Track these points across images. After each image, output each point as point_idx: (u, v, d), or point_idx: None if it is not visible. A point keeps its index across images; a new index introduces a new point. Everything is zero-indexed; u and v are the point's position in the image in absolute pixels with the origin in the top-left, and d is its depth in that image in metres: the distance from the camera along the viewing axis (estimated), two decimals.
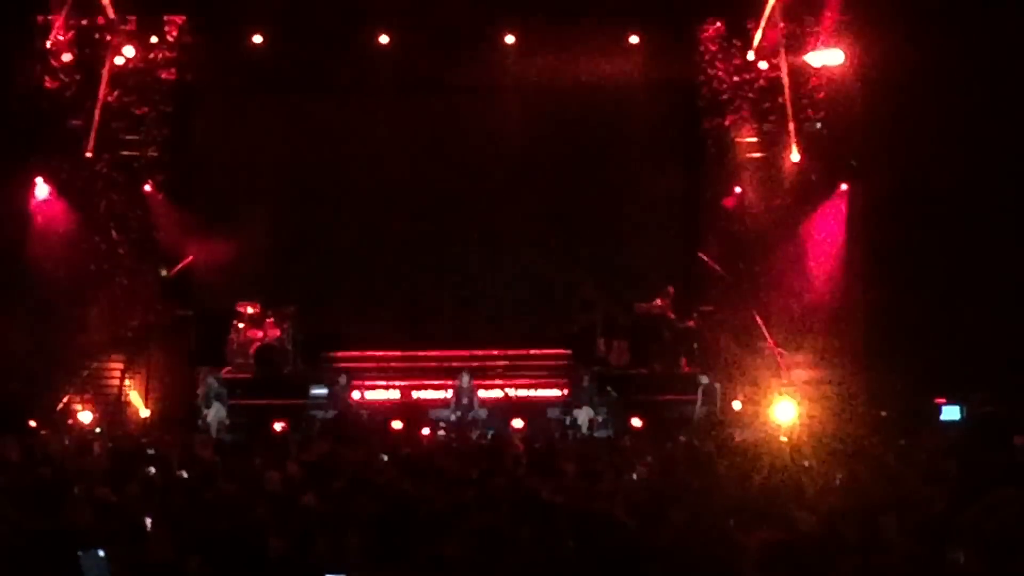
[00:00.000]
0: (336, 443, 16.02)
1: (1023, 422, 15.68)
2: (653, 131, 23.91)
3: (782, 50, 21.95)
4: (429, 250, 23.60)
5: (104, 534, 7.26)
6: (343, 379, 21.47)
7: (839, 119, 22.04)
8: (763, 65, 22.43)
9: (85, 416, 20.26)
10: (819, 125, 22.34)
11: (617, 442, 17.45)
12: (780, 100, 22.28)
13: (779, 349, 21.57)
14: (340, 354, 22.83)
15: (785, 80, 21.94)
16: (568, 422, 21.02)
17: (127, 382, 21.62)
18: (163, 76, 22.51)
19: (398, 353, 23.07)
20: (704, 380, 21.40)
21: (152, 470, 11.66)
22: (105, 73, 21.77)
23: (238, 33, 22.56)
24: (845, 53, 21.39)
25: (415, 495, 8.99)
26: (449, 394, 21.56)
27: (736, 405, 20.86)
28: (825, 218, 22.24)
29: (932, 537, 6.51)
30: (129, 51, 21.89)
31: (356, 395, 21.76)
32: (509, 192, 23.57)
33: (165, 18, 22.34)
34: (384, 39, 22.72)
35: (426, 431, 19.79)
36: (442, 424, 20.69)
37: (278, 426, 19.69)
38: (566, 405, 21.70)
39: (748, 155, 22.71)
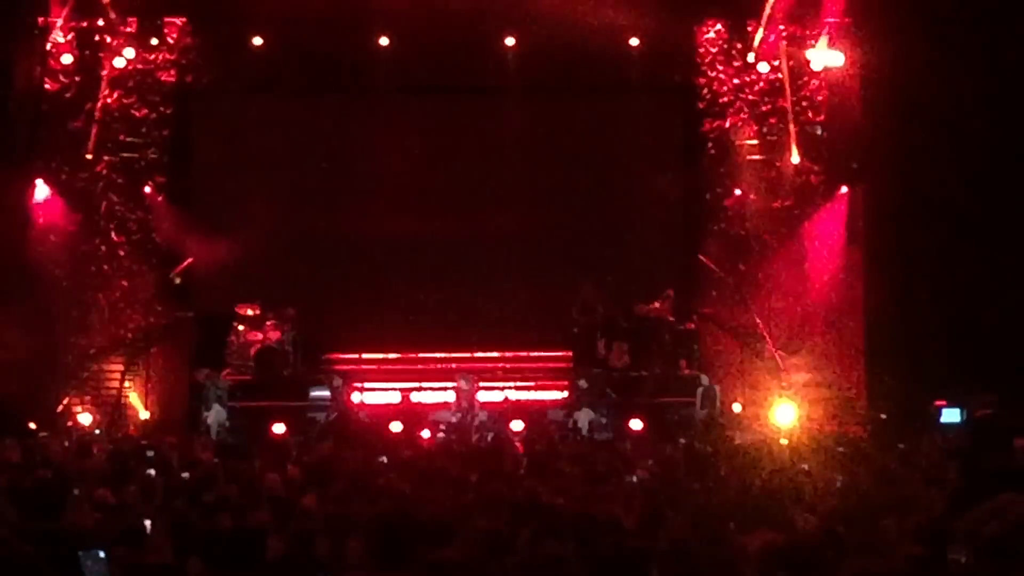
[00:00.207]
0: (336, 445, 16.01)
1: None
2: (653, 133, 23.93)
3: (783, 52, 21.96)
4: (429, 252, 23.57)
5: (104, 536, 7.27)
6: (337, 381, 21.45)
7: (839, 121, 22.04)
8: (763, 67, 22.43)
9: (85, 418, 20.26)
10: (819, 128, 22.34)
11: (617, 444, 17.45)
12: (780, 102, 22.31)
13: (779, 351, 21.57)
14: (340, 356, 22.82)
15: (786, 82, 21.95)
16: (568, 424, 21.01)
17: (127, 384, 21.60)
18: (163, 78, 22.51)
19: (398, 355, 23.06)
20: (704, 382, 21.41)
21: (152, 472, 11.65)
22: (105, 75, 21.80)
23: (238, 35, 22.55)
24: (845, 55, 21.39)
25: (415, 497, 8.99)
26: (449, 396, 21.55)
27: (736, 407, 20.86)
28: (825, 220, 22.24)
29: (933, 540, 6.50)
30: (129, 53, 21.90)
31: (356, 397, 21.74)
32: (509, 194, 23.55)
33: (165, 20, 22.34)
34: (384, 41, 22.72)
35: (426, 433, 19.77)
36: (442, 426, 20.67)
37: (278, 428, 19.67)
38: (566, 407, 21.68)
39: (748, 157, 22.69)
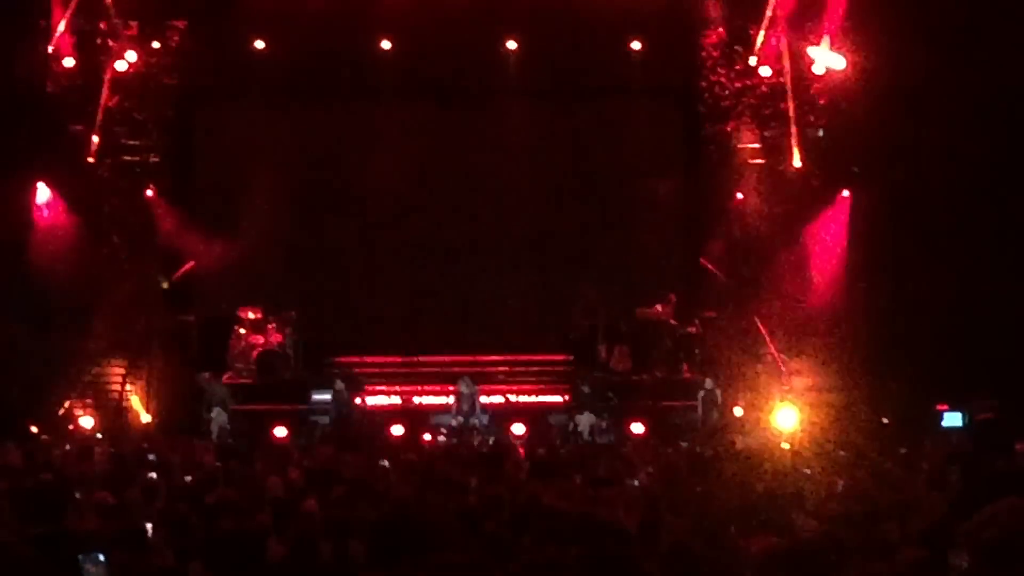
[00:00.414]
0: (337, 449, 16.00)
1: None
2: (655, 137, 23.94)
3: (784, 56, 21.96)
4: (430, 255, 23.60)
5: (105, 539, 7.26)
6: (339, 384, 21.44)
7: (841, 125, 22.03)
8: (765, 71, 22.43)
9: (86, 421, 20.25)
10: (821, 131, 22.34)
11: (619, 448, 17.44)
12: (782, 106, 22.31)
13: (781, 355, 21.56)
14: (342, 360, 22.82)
15: (788, 86, 21.94)
16: (570, 428, 21.00)
17: (128, 387, 21.62)
18: (165, 81, 22.56)
19: (399, 359, 23.06)
20: (708, 386, 21.40)
21: (153, 475, 11.65)
22: (107, 78, 21.79)
23: (240, 39, 22.59)
24: (847, 59, 21.39)
25: (416, 501, 8.98)
26: (450, 400, 21.55)
27: (738, 411, 20.85)
28: (827, 224, 22.24)
29: (934, 544, 6.50)
30: (131, 56, 21.91)
31: (357, 401, 21.74)
32: (511, 198, 23.58)
33: (167, 24, 22.35)
34: (386, 45, 22.73)
35: (427, 437, 19.78)
36: (443, 430, 20.68)
37: (279, 431, 19.67)
38: (567, 411, 21.68)
39: (750, 161, 22.71)
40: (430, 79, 23.31)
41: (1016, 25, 18.78)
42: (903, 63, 19.54)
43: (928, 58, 19.04)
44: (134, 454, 14.50)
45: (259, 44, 22.57)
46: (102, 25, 21.83)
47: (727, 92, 22.84)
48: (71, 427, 20.05)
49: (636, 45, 22.86)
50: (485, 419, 21.09)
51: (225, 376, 21.93)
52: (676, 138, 24.22)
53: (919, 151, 19.83)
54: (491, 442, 18.76)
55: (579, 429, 20.87)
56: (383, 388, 22.48)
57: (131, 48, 21.92)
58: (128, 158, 22.36)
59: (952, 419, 18.95)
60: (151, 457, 13.90)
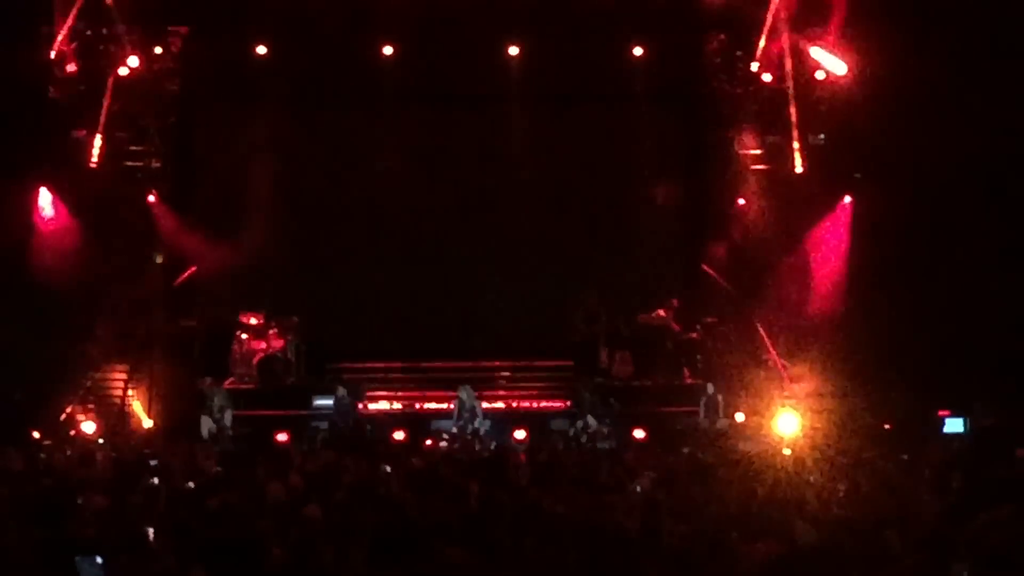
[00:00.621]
0: (339, 454, 15.99)
1: None
2: (657, 142, 23.93)
3: (786, 62, 21.96)
4: (432, 260, 23.58)
5: (106, 544, 7.26)
6: (341, 390, 21.44)
7: (843, 131, 22.01)
8: (767, 77, 22.42)
9: (88, 426, 20.25)
10: (823, 137, 22.32)
11: (620, 454, 17.42)
12: (784, 112, 22.29)
13: (782, 361, 21.55)
14: (343, 365, 22.81)
15: (789, 92, 21.94)
16: (571, 433, 20.98)
17: (130, 392, 21.63)
18: (167, 87, 22.56)
19: (401, 364, 23.05)
20: (708, 391, 21.39)
21: (155, 480, 11.65)
22: (109, 83, 21.79)
23: (242, 44, 22.56)
24: (849, 65, 21.39)
25: (417, 506, 8.99)
26: (452, 405, 21.54)
27: (739, 417, 20.85)
28: (828, 230, 22.24)
29: (935, 550, 6.49)
30: (133, 61, 21.88)
31: (359, 406, 21.73)
32: (513, 203, 23.57)
33: (169, 29, 22.35)
34: (388, 50, 22.74)
35: (429, 442, 19.77)
36: (445, 435, 20.65)
37: (281, 437, 19.67)
38: (569, 416, 21.66)
39: (751, 167, 22.69)
40: (432, 85, 23.30)
41: (1017, 32, 18.79)
42: (905, 69, 19.56)
43: (929, 65, 19.05)
44: (136, 459, 14.50)
45: (261, 50, 22.56)
46: (104, 30, 21.80)
47: (729, 98, 22.84)
48: (73, 432, 20.03)
49: (638, 51, 22.85)
50: (486, 424, 21.07)
51: (227, 381, 21.93)
52: (678, 144, 24.22)
53: (921, 157, 19.83)
54: (492, 447, 18.74)
55: (580, 435, 20.79)
56: (385, 393, 22.48)
57: (133, 53, 21.89)
58: (130, 163, 22.34)
59: (954, 425, 18.95)
60: (153, 462, 13.90)
